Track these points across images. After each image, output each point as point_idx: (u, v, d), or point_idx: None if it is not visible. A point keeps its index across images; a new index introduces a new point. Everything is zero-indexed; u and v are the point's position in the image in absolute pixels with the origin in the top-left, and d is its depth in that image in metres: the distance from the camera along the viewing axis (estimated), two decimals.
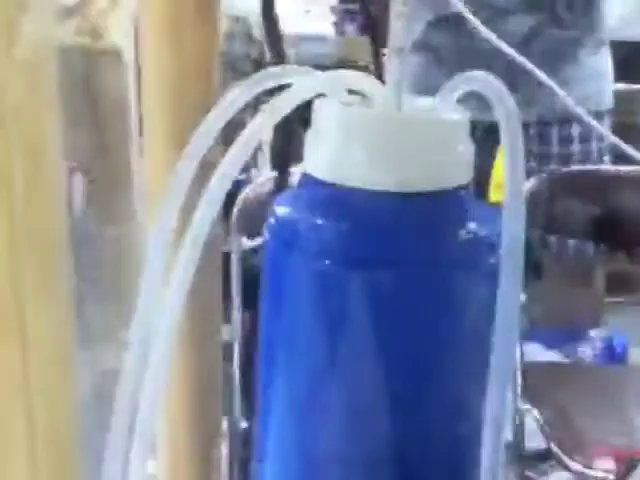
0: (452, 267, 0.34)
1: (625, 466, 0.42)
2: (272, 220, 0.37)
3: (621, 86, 1.77)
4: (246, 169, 2.28)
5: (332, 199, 0.35)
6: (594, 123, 0.51)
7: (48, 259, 0.37)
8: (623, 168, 1.54)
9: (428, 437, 0.37)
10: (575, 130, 1.63)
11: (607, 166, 1.60)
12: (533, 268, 1.67)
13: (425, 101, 0.36)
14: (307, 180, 0.36)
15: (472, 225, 0.35)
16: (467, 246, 0.34)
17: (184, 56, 0.46)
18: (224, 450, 1.19)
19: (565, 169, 1.57)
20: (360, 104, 0.36)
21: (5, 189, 0.34)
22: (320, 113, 0.36)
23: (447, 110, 0.35)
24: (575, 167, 1.59)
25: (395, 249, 0.34)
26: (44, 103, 0.36)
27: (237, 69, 2.36)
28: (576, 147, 1.64)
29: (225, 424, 1.20)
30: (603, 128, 1.67)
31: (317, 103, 0.36)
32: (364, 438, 0.37)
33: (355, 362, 0.35)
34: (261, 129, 0.33)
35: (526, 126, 1.61)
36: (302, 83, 0.34)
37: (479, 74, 0.33)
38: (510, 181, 0.33)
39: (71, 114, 0.64)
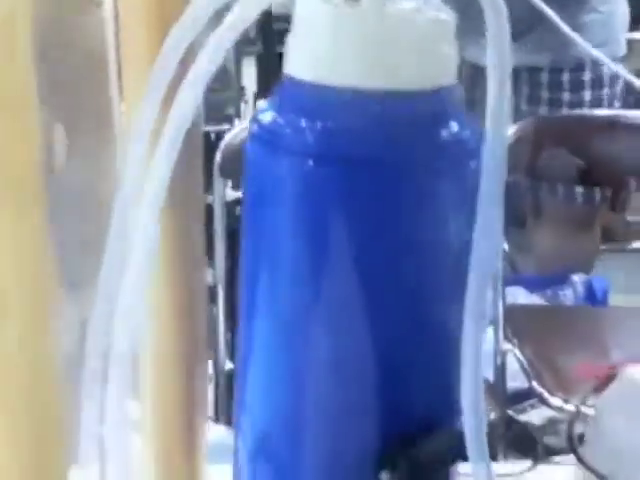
0: (434, 166, 0.34)
1: (605, 377, 0.43)
2: (254, 125, 0.36)
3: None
4: (230, 120, 2.27)
5: (314, 99, 0.34)
6: (616, 67, 0.50)
7: (22, 207, 0.36)
8: (607, 113, 1.54)
9: (409, 337, 0.37)
10: (587, 76, 1.62)
11: (592, 111, 1.60)
12: (520, 216, 1.68)
13: (410, 1, 0.36)
14: (288, 83, 0.36)
15: (455, 126, 0.35)
16: (449, 146, 0.34)
17: None
18: (210, 392, 1.20)
19: (551, 114, 1.57)
20: (344, 3, 0.35)
21: None
22: (302, 13, 0.35)
23: (432, 10, 0.35)
24: (560, 112, 1.59)
25: (377, 148, 0.34)
26: (15, 53, 0.34)
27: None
28: (587, 93, 1.64)
29: (210, 366, 1.20)
30: (618, 74, 1.66)
31: (299, 3, 0.35)
32: (345, 347, 0.37)
33: (337, 264, 0.35)
34: (244, 17, 0.32)
35: (538, 71, 1.60)
36: None
37: None
38: (496, 79, 0.32)
39: (49, 64, 0.62)
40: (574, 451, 0.46)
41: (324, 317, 0.36)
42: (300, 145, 0.34)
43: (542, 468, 0.55)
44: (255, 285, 0.38)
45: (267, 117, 0.36)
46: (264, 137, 0.36)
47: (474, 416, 0.35)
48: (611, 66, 0.49)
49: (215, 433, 0.61)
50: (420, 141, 0.34)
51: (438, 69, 0.35)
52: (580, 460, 0.45)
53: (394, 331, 0.37)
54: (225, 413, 1.17)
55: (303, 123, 0.34)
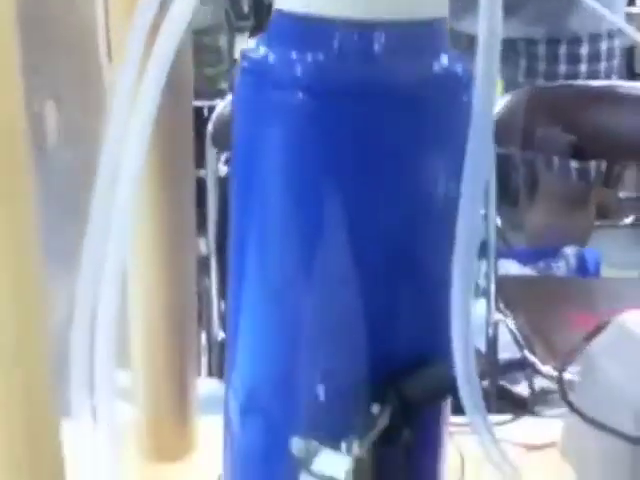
0: (426, 97, 0.34)
1: (595, 327, 0.43)
2: (244, 60, 0.36)
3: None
4: (223, 95, 2.25)
5: (303, 31, 0.34)
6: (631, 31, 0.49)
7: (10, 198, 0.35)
8: (602, 83, 1.54)
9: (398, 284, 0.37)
10: (584, 49, 1.61)
11: (586, 82, 1.59)
12: (512, 194, 1.67)
13: None
14: (278, 17, 0.35)
15: (447, 58, 0.34)
16: (441, 77, 0.34)
17: None
18: (203, 362, 1.20)
19: (543, 85, 1.56)
20: None
21: None
22: None
23: None
24: (552, 83, 1.58)
25: (369, 79, 0.33)
26: None
27: None
28: (584, 67, 1.63)
29: (204, 337, 1.20)
30: (616, 47, 1.65)
31: None
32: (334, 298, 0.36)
33: (326, 199, 0.35)
34: None
35: (535, 43, 1.59)
36: None
37: None
38: (485, 46, 0.31)
39: (40, 43, 0.62)
40: (565, 398, 0.46)
41: (313, 254, 0.36)
42: (290, 77, 0.34)
43: (532, 421, 0.55)
44: (245, 227, 0.38)
45: (257, 52, 0.36)
46: (254, 71, 0.35)
47: (465, 357, 0.35)
48: (618, 25, 0.48)
49: (207, 386, 0.61)
50: (411, 72, 0.34)
51: (430, 0, 0.34)
52: (571, 406, 0.45)
53: (385, 269, 0.36)
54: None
55: (293, 56, 0.34)
